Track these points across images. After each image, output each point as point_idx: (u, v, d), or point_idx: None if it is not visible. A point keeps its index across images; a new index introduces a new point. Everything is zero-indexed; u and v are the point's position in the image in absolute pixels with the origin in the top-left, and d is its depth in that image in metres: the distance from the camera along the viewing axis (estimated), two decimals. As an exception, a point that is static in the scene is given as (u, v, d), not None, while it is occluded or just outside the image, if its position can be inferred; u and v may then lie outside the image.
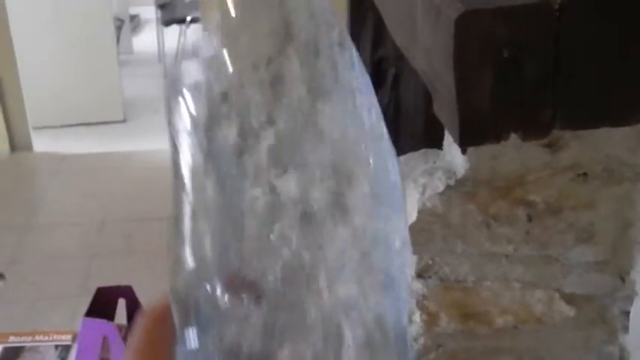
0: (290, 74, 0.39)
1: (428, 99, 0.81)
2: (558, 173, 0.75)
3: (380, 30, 1.42)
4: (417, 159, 0.87)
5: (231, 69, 0.40)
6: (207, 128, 0.40)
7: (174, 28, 5.00)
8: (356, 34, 1.50)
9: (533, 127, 0.69)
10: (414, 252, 0.82)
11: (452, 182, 0.77)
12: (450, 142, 0.80)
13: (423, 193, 0.78)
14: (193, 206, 0.40)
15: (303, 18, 0.40)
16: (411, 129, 1.46)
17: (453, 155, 0.80)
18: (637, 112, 0.69)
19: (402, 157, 0.92)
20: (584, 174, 0.75)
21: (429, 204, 0.77)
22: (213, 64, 0.41)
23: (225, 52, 0.41)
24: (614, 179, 0.75)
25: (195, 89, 0.41)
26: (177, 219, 0.40)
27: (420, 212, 0.78)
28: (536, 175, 0.75)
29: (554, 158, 0.74)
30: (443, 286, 0.83)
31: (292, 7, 0.40)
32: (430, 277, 0.84)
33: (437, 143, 0.86)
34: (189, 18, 4.76)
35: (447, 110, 0.71)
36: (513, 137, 0.69)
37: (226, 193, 0.40)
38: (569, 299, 0.81)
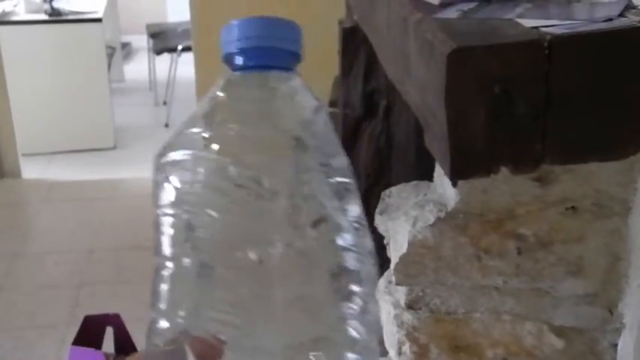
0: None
1: (419, 131, 0.82)
2: (548, 207, 0.76)
3: (372, 62, 1.44)
4: (408, 191, 0.88)
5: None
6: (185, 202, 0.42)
7: (166, 57, 5.02)
8: (348, 67, 1.51)
9: (524, 161, 0.70)
10: (405, 284, 0.82)
11: (442, 215, 0.77)
12: (440, 175, 0.81)
13: (414, 225, 0.79)
14: (171, 273, 0.41)
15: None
16: (402, 160, 1.47)
17: (444, 188, 0.81)
18: (626, 147, 0.71)
19: (393, 189, 0.93)
20: (574, 208, 0.76)
21: (419, 236, 0.78)
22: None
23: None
24: (604, 213, 0.76)
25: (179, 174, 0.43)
26: (155, 284, 0.42)
27: (410, 244, 0.79)
28: (527, 209, 0.76)
29: (544, 192, 0.75)
30: (433, 318, 0.84)
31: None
32: (420, 308, 0.84)
33: (428, 175, 0.87)
34: (180, 47, 4.79)
35: (439, 143, 0.72)
36: (504, 171, 0.70)
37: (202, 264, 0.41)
38: (559, 332, 0.82)
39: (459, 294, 0.82)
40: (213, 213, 0.40)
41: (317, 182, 0.44)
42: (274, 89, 0.47)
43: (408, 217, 0.81)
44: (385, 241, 0.90)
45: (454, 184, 0.74)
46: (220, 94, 0.47)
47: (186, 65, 4.28)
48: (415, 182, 0.88)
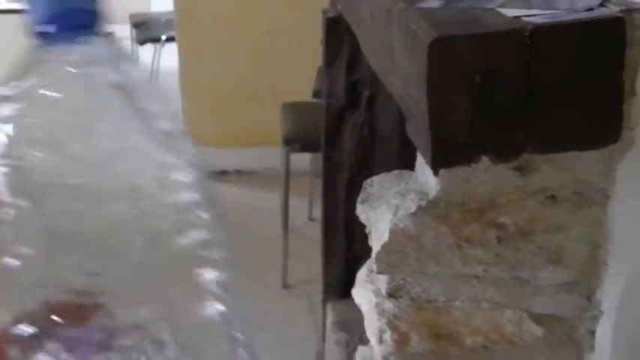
0: None
1: (402, 121, 0.83)
2: (529, 196, 0.76)
3: (355, 52, 1.44)
4: (390, 180, 0.89)
5: None
6: None
7: (150, 47, 4.99)
8: (332, 57, 1.51)
9: (505, 151, 0.71)
10: (386, 272, 0.83)
11: (424, 203, 0.78)
12: (422, 164, 0.81)
13: (395, 213, 0.80)
14: None
15: None
16: (385, 151, 1.47)
17: (425, 177, 0.81)
18: (605, 137, 0.71)
19: (375, 178, 0.93)
20: (554, 197, 0.76)
21: (401, 225, 0.79)
22: None
23: None
24: (584, 203, 0.76)
25: None
26: None
27: (392, 233, 0.79)
28: (507, 198, 0.77)
29: (524, 181, 0.75)
30: (414, 306, 0.84)
31: None
32: (401, 296, 0.85)
33: (411, 165, 0.87)
34: (164, 37, 4.76)
35: (420, 133, 0.72)
36: (485, 160, 0.71)
37: None
38: (538, 320, 0.82)
39: (439, 282, 0.83)
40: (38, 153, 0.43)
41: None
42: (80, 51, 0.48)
43: (389, 205, 0.82)
44: (367, 230, 0.90)
45: (435, 173, 0.75)
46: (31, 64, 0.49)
47: (170, 55, 4.26)
48: (397, 171, 0.89)
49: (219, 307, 0.46)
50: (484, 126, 0.69)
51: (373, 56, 0.96)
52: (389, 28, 0.80)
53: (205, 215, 0.47)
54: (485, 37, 0.65)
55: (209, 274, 0.46)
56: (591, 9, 0.69)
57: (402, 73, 0.77)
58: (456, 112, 0.68)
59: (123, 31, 5.98)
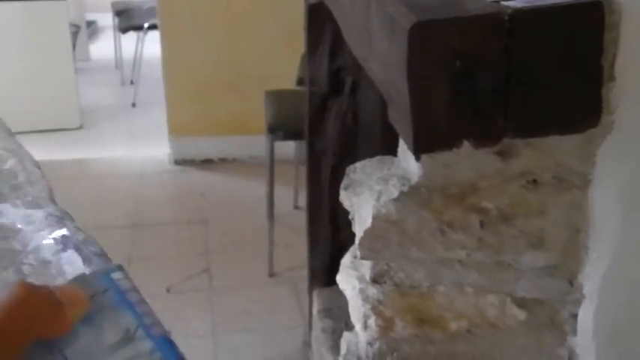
0: None
1: (385, 107, 0.83)
2: (510, 180, 0.77)
3: (338, 39, 1.44)
4: (372, 166, 0.89)
5: None
6: None
7: (132, 35, 4.96)
8: (314, 44, 1.51)
9: (486, 135, 0.71)
10: (369, 258, 0.83)
11: (406, 189, 0.78)
12: (404, 150, 0.82)
13: (378, 199, 0.80)
14: None
15: None
16: (368, 138, 1.47)
17: (407, 162, 0.81)
18: (585, 121, 0.72)
19: (357, 164, 0.93)
20: (535, 181, 0.77)
21: (384, 210, 0.79)
22: None
23: None
24: (564, 187, 0.77)
25: None
26: None
27: (374, 218, 0.79)
28: (489, 183, 0.77)
29: (506, 166, 0.76)
30: (398, 292, 0.84)
31: None
32: (385, 282, 0.85)
33: (394, 152, 0.87)
34: (146, 25, 4.73)
35: (402, 118, 0.72)
36: (466, 145, 0.71)
37: None
38: (521, 303, 0.83)
39: (422, 268, 0.83)
40: None
41: None
42: None
43: (372, 191, 0.82)
44: (350, 217, 0.90)
45: (417, 159, 0.75)
46: None
47: (152, 43, 4.24)
48: (379, 157, 0.89)
49: None
50: (465, 111, 0.69)
51: (353, 42, 0.96)
52: (368, 13, 0.80)
53: None
54: (465, 21, 0.65)
55: None
56: (570, -7, 0.69)
57: (381, 58, 0.77)
58: (436, 97, 0.68)
59: (105, 19, 5.94)
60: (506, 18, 0.65)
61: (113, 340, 0.40)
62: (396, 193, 0.78)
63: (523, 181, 0.77)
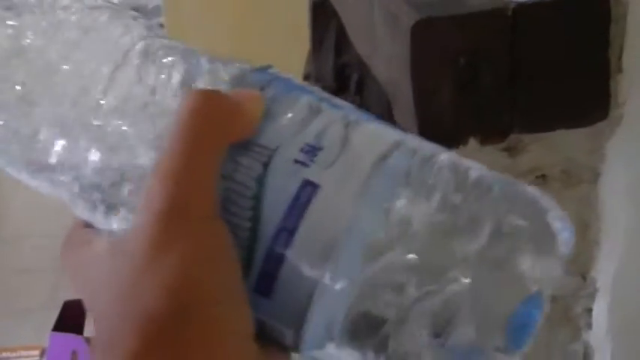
0: None
1: (391, 104, 0.82)
2: (518, 177, 0.75)
3: (343, 36, 1.43)
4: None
5: None
6: None
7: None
8: (318, 41, 1.50)
9: (492, 132, 0.70)
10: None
11: (414, 188, 0.77)
12: (411, 148, 0.81)
13: (386, 199, 0.79)
14: None
15: None
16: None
17: (414, 161, 0.80)
18: (593, 114, 0.71)
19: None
20: (544, 176, 0.76)
21: (392, 210, 0.78)
22: None
23: None
24: (573, 181, 0.76)
25: None
26: None
27: (383, 218, 0.78)
28: (497, 179, 0.76)
29: (513, 162, 0.75)
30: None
31: None
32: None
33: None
34: (153, 25, 4.75)
35: (406, 117, 0.72)
36: (472, 142, 0.70)
37: None
38: (533, 300, 0.82)
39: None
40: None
41: None
42: None
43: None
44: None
45: (424, 157, 0.74)
46: None
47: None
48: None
49: None
50: (470, 108, 0.68)
51: (357, 40, 0.95)
52: (370, 10, 0.79)
53: None
54: (468, 17, 0.65)
55: None
56: (574, -15, 0.68)
57: (385, 56, 0.76)
58: (441, 94, 0.67)
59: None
60: (509, 13, 0.64)
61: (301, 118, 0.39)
62: (403, 193, 0.77)
63: (532, 177, 0.76)
